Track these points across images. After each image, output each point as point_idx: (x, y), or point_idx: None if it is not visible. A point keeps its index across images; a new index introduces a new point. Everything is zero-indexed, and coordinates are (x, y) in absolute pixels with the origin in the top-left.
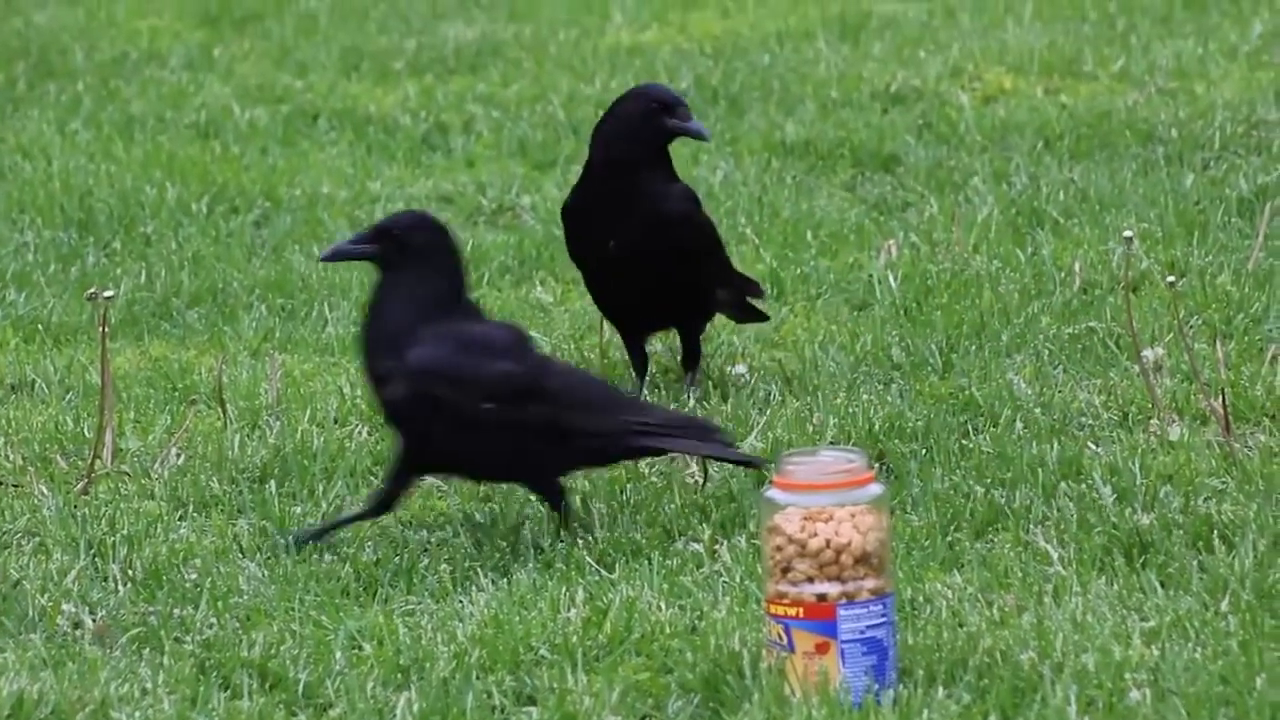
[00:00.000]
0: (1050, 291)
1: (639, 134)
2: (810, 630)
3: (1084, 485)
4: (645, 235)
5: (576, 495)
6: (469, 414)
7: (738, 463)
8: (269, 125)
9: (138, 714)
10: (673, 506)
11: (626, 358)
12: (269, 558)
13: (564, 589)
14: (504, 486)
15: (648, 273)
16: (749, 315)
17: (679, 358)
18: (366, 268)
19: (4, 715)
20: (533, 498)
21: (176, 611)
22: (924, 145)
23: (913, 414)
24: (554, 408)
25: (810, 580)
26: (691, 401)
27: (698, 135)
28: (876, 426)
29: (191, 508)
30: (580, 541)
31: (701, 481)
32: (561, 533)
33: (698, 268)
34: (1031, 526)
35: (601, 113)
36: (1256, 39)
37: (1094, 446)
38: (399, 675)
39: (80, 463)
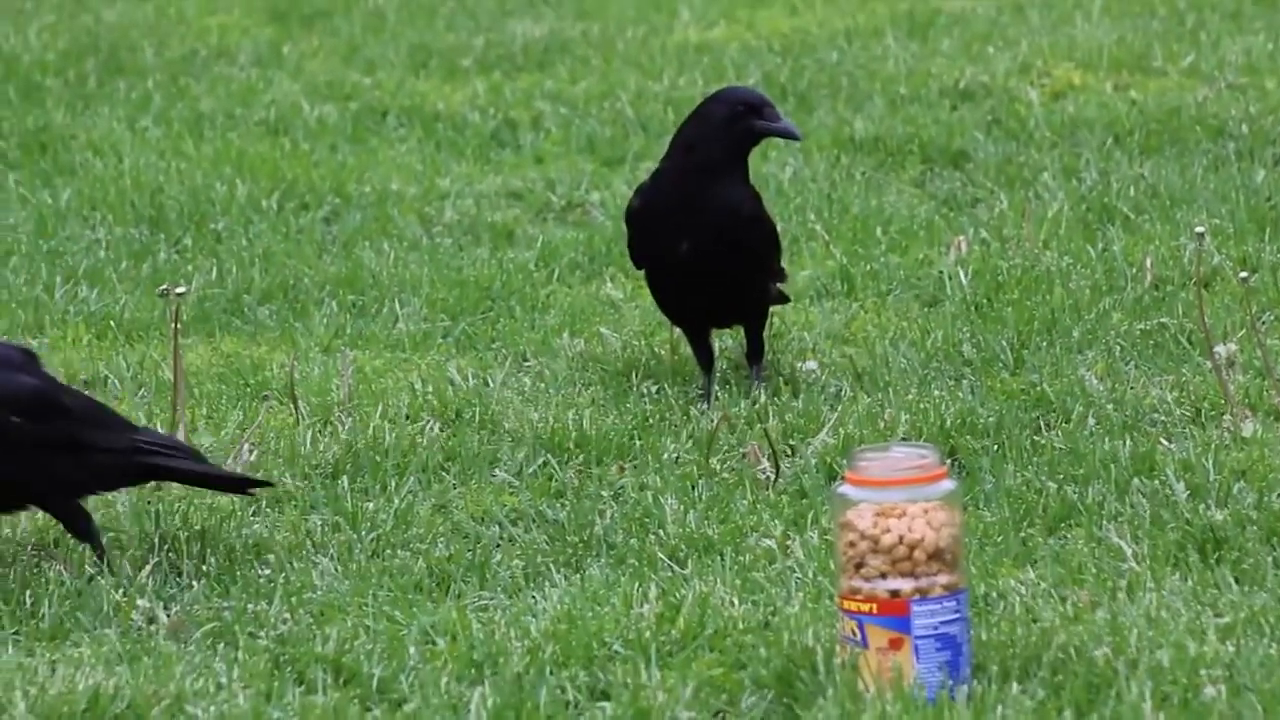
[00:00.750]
0: (1121, 287)
1: (725, 137)
2: (884, 626)
3: (1157, 481)
4: (719, 237)
5: (649, 493)
6: None
7: (235, 485)
8: (338, 122)
9: (213, 709)
10: (744, 502)
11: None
12: (342, 553)
13: (637, 585)
14: (33, 511)
15: (719, 273)
16: (778, 300)
17: (745, 353)
18: (439, 263)
19: (80, 710)
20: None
21: (250, 607)
22: (993, 141)
23: (984, 410)
24: (72, 423)
25: (883, 576)
26: (762, 397)
27: (789, 135)
28: (948, 422)
29: (264, 503)
30: (652, 537)
31: (773, 477)
32: (631, 527)
33: (766, 267)
34: (1105, 522)
35: (672, 111)
36: None
37: (1166, 443)
38: (473, 670)
39: None
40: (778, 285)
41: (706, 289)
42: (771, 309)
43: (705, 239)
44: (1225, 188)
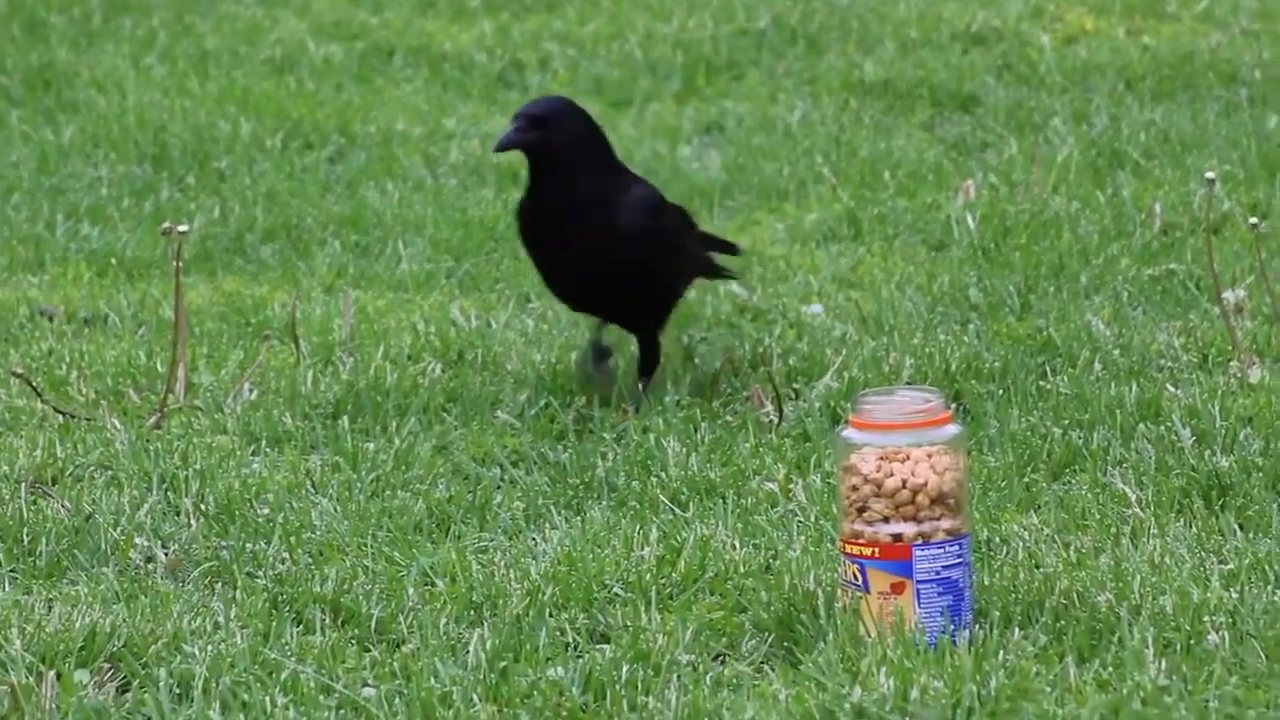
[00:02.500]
0: (1130, 233)
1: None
2: (885, 570)
3: (1163, 427)
4: (597, 237)
5: (651, 435)
6: None
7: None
8: (344, 61)
9: (210, 648)
10: (747, 445)
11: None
12: (342, 493)
13: (637, 527)
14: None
15: (603, 273)
16: (717, 277)
17: (636, 356)
18: (443, 203)
19: (77, 648)
20: (606, 436)
21: (249, 546)
22: (1004, 86)
23: (990, 355)
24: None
25: (886, 520)
26: (633, 414)
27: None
28: (953, 367)
29: (264, 443)
30: (654, 479)
31: (776, 420)
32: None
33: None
34: (1109, 468)
35: (681, 53)
36: None
37: (1173, 388)
38: (472, 612)
39: (153, 397)
40: (726, 257)
41: (583, 284)
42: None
43: (585, 240)
44: (1236, 133)
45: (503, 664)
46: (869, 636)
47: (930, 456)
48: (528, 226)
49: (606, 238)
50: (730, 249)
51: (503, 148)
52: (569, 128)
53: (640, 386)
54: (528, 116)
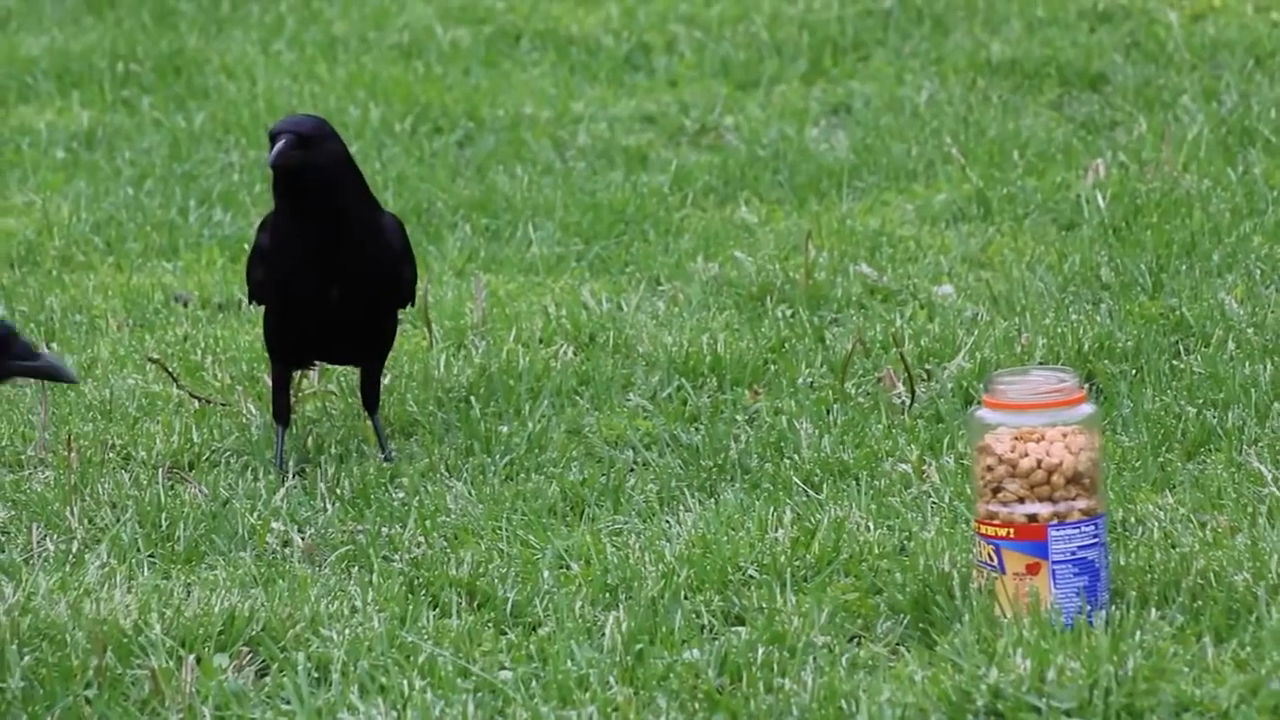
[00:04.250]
0: (1262, 210)
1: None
2: (1021, 551)
3: None
4: (363, 279)
5: (784, 417)
6: None
7: None
8: (472, 45)
9: (348, 631)
10: (880, 427)
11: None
12: (476, 477)
13: (771, 509)
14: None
15: (361, 315)
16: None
17: (361, 395)
18: (573, 187)
19: (216, 633)
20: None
21: (384, 530)
22: (1132, 64)
23: (1122, 334)
24: None
25: (1021, 501)
26: (385, 455)
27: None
28: (1085, 347)
29: (398, 426)
30: (786, 461)
31: (909, 402)
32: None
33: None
34: (1244, 447)
35: (808, 34)
36: None
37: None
38: (607, 595)
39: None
40: None
41: (334, 330)
42: None
43: (349, 282)
44: None
45: (638, 646)
46: (1004, 618)
47: (1065, 436)
48: (284, 251)
49: (381, 257)
50: None
51: (285, 164)
52: (331, 148)
53: (374, 422)
54: (295, 134)
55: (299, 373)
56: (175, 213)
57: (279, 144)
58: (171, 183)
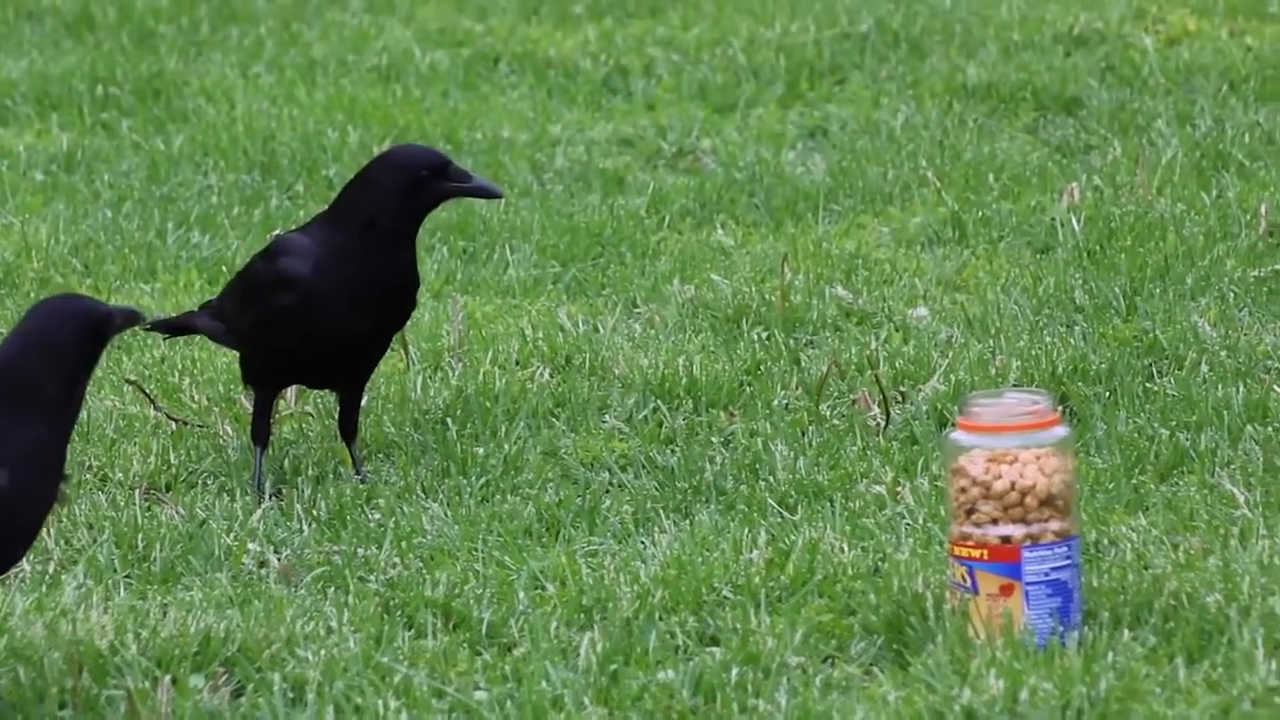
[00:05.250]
0: (1236, 234)
1: (409, 205)
2: (994, 572)
3: (1270, 428)
4: (392, 311)
5: (759, 439)
6: None
7: None
8: (450, 69)
9: (323, 652)
10: (854, 449)
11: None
12: (452, 498)
13: (746, 530)
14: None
15: (372, 344)
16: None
17: (339, 423)
18: (550, 209)
19: (191, 653)
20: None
21: (360, 551)
22: (1107, 88)
23: (1096, 356)
24: None
25: (994, 522)
26: (360, 477)
27: (487, 194)
28: (1060, 369)
29: (373, 449)
30: (761, 483)
31: (883, 424)
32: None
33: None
34: (1217, 469)
35: (784, 58)
36: None
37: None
38: (582, 615)
39: None
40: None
41: (348, 358)
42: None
43: (382, 315)
44: None
45: (613, 667)
46: (978, 638)
47: (1039, 458)
48: (334, 278)
49: (414, 286)
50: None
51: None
52: None
53: (353, 450)
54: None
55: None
56: (153, 235)
57: (475, 175)
58: (150, 205)
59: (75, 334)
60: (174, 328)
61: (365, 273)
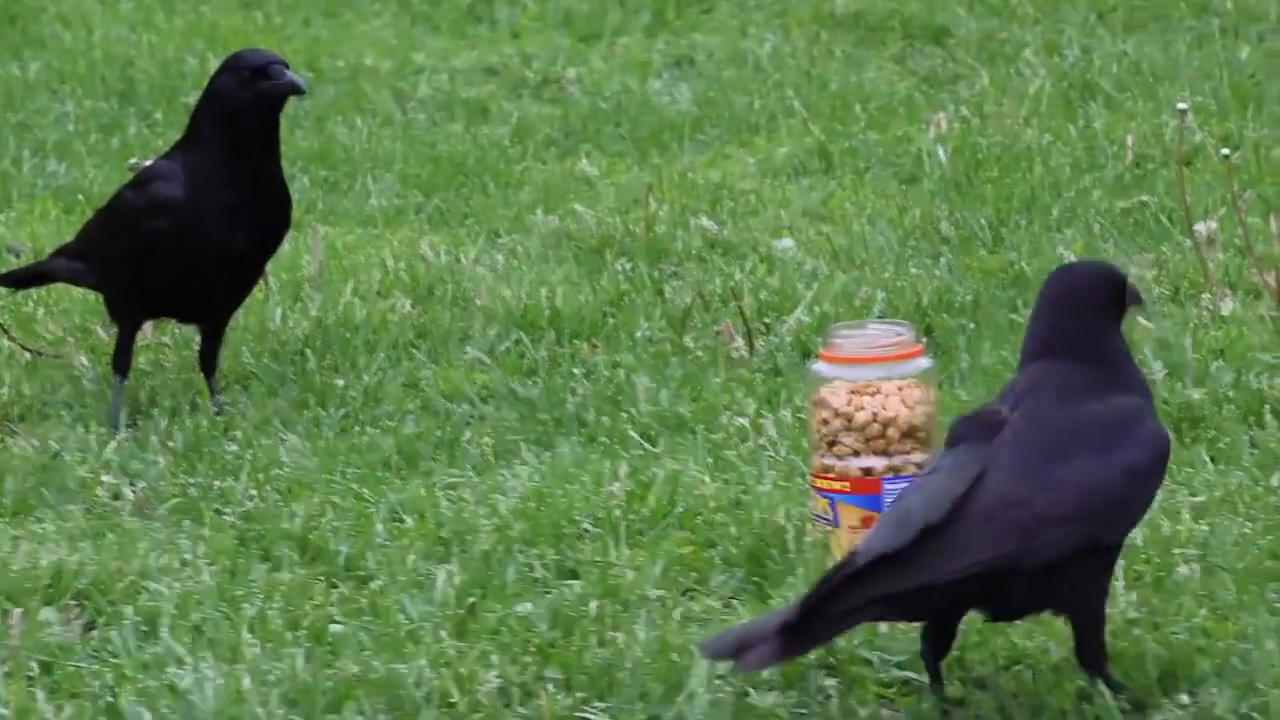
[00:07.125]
0: (1102, 165)
1: (251, 108)
2: (856, 504)
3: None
4: (268, 224)
5: (622, 370)
6: None
7: None
8: None
9: (177, 585)
10: (717, 380)
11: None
12: (310, 430)
13: (607, 463)
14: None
15: (251, 265)
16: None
17: (199, 356)
18: (413, 139)
19: (43, 586)
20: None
21: (217, 483)
22: (975, 17)
23: (961, 288)
24: None
25: (856, 454)
26: (217, 408)
27: (293, 90)
28: (925, 301)
29: (231, 380)
30: (624, 415)
31: (747, 355)
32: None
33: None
34: None
35: None
36: None
37: (1144, 321)
38: (440, 548)
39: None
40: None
41: (225, 281)
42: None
43: (257, 230)
44: (1209, 64)
45: (471, 600)
46: None
47: (901, 390)
48: (207, 197)
49: (287, 203)
50: None
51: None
52: None
53: (212, 384)
54: (284, 63)
55: None
56: (9, 163)
57: (288, 72)
58: (5, 132)
59: None
60: (25, 279)
61: (236, 190)
